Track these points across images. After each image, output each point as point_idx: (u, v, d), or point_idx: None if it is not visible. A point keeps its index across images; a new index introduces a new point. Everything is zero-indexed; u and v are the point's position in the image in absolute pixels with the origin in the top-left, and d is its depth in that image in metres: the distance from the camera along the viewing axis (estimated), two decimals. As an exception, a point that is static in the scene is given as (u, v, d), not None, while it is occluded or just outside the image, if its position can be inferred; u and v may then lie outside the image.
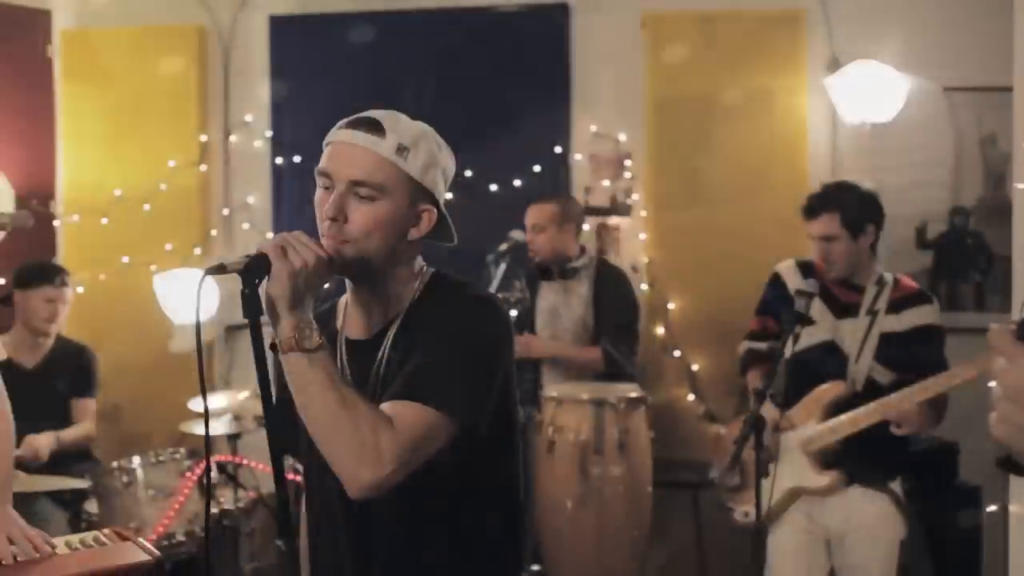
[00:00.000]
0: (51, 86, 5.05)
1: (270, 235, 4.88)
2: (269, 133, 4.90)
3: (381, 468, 1.47)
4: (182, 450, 3.49)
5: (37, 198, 4.92)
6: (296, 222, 4.83)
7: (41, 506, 3.60)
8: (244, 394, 3.80)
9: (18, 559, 2.16)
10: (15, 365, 3.94)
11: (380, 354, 1.64)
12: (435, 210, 1.65)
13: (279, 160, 4.86)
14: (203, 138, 4.97)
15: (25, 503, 3.52)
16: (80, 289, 4.76)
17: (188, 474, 3.37)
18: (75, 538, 2.31)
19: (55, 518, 3.60)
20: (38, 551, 2.19)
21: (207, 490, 1.84)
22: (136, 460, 3.40)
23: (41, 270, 4.18)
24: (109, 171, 4.96)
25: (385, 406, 1.53)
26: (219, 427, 3.81)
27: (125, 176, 4.94)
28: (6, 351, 3.88)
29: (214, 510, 3.44)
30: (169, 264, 4.83)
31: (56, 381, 4.15)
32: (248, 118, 4.97)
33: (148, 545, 2.21)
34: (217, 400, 3.91)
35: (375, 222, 1.57)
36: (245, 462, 3.74)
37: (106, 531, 2.36)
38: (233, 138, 5.00)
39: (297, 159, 4.78)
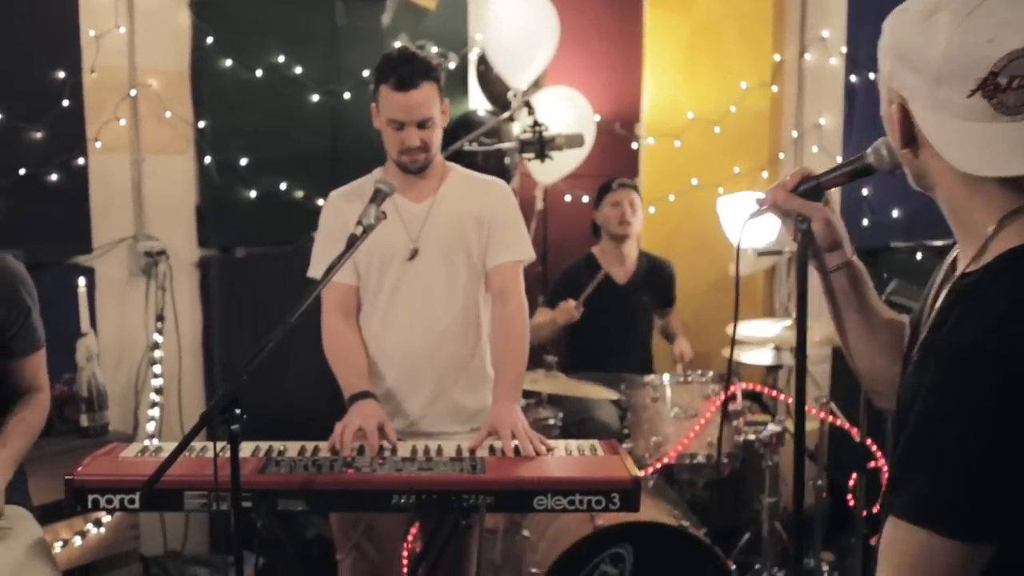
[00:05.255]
0: (640, 14, 5.28)
1: (839, 159, 4.60)
2: (844, 49, 4.57)
3: None
4: (710, 373, 3.48)
5: (622, 122, 5.24)
6: (867, 145, 4.56)
7: (597, 405, 3.87)
8: (786, 323, 3.66)
9: (520, 454, 2.34)
10: (611, 278, 4.29)
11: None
12: (898, 105, 1.27)
13: (853, 78, 4.51)
14: (776, 57, 4.82)
15: (574, 403, 3.84)
16: (652, 209, 4.99)
17: (712, 398, 3.36)
18: (574, 444, 2.45)
19: (607, 413, 3.84)
20: (535, 451, 2.35)
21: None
22: (666, 377, 3.47)
23: (602, 185, 4.43)
24: (684, 94, 5.07)
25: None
26: (760, 357, 3.73)
27: (698, 99, 5.01)
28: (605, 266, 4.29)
29: (738, 438, 3.39)
30: (735, 187, 4.82)
31: (642, 295, 4.42)
32: (824, 33, 4.68)
33: (631, 465, 2.25)
34: (762, 328, 3.81)
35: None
36: (775, 394, 3.61)
37: (604, 443, 2.46)
38: (808, 56, 4.76)
39: (872, 76, 4.38)
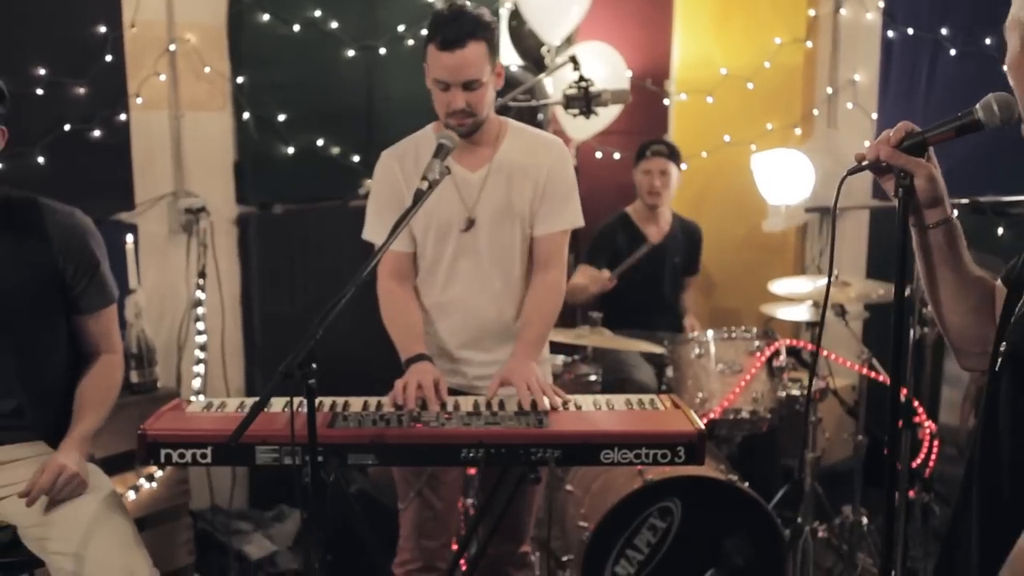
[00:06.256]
0: (671, -32, 5.23)
1: (874, 115, 4.57)
2: (881, 3, 4.52)
3: None
4: (754, 329, 3.49)
5: (653, 78, 5.20)
6: (903, 102, 4.55)
7: (634, 360, 3.90)
8: (822, 281, 3.65)
9: (538, 408, 2.32)
10: (646, 238, 4.30)
11: None
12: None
13: (891, 33, 4.47)
14: (811, 12, 4.77)
15: (615, 357, 3.86)
16: (684, 166, 4.96)
17: (757, 354, 3.37)
18: (635, 398, 2.46)
19: (644, 373, 3.87)
20: (551, 404, 2.33)
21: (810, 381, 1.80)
22: (710, 334, 3.49)
23: (641, 146, 4.42)
24: (716, 50, 5.03)
25: None
26: (798, 313, 3.74)
27: (731, 54, 4.97)
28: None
29: (781, 394, 3.41)
30: (768, 144, 4.80)
31: (675, 255, 4.43)
32: (861, -12, 4.64)
33: (694, 418, 2.26)
34: (800, 285, 3.81)
35: None
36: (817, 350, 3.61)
37: (664, 397, 2.47)
38: (843, 11, 4.71)
39: (910, 31, 4.35)
